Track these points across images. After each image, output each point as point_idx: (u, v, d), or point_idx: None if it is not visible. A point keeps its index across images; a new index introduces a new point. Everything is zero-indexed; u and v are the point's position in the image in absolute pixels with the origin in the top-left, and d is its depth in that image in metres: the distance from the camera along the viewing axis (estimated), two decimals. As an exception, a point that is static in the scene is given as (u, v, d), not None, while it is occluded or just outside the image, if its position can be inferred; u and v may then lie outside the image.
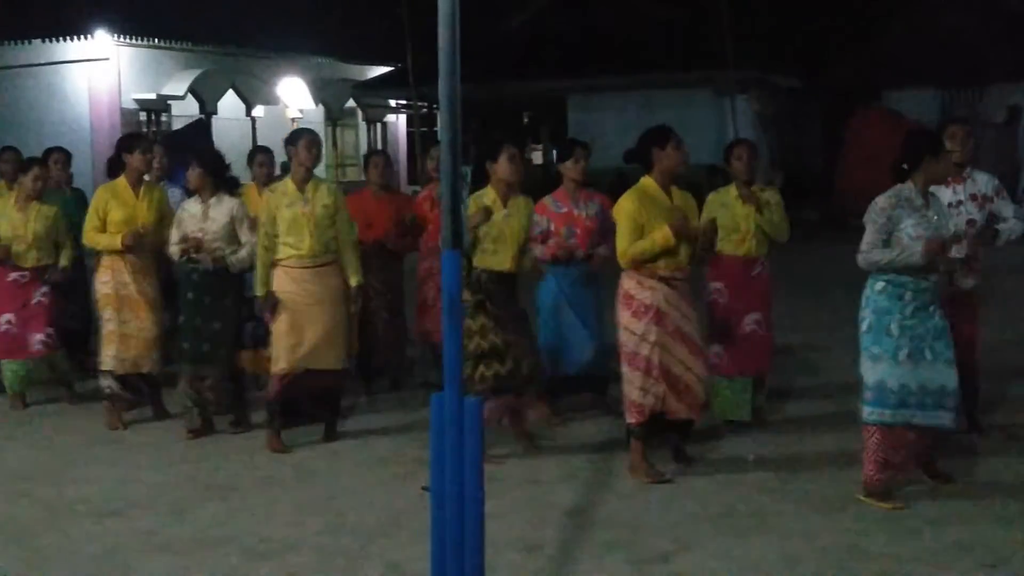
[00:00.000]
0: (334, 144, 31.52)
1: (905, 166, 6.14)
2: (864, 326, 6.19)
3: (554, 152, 18.75)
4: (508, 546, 5.56)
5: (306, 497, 6.63)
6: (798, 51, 27.21)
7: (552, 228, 7.98)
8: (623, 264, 6.77)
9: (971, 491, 6.38)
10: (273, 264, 7.51)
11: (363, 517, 6.21)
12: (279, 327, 7.51)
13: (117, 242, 8.16)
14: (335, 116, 31.00)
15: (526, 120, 28.37)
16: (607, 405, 8.13)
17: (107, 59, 25.10)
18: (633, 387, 6.69)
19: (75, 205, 9.76)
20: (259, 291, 7.50)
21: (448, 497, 4.17)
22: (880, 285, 6.15)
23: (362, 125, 32.63)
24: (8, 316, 8.87)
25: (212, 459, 7.52)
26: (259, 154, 9.49)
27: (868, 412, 6.15)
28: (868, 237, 6.11)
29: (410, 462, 7.19)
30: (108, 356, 8.29)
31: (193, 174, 8.00)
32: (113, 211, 8.25)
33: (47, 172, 9.29)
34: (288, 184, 7.61)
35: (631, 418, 6.75)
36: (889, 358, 6.07)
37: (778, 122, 28.00)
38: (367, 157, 9.73)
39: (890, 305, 6.09)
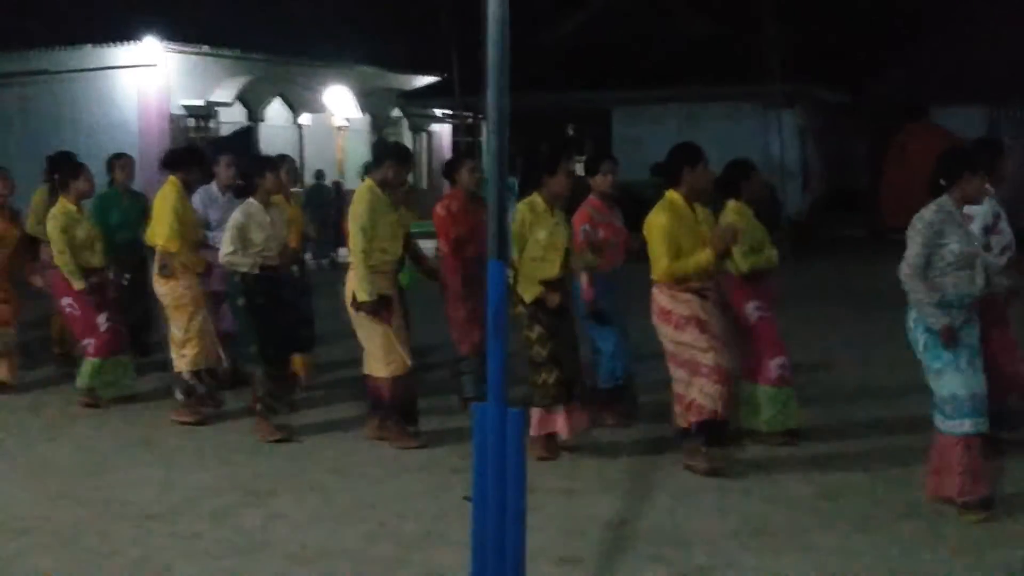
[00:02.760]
0: None
1: (943, 182, 6.12)
2: (920, 346, 6.18)
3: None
4: (545, 558, 5.54)
5: (346, 504, 6.64)
6: (846, 65, 26.97)
7: (602, 237, 8.01)
8: (660, 278, 6.91)
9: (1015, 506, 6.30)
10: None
11: (403, 525, 6.22)
12: (391, 329, 7.67)
13: (201, 262, 8.67)
14: (380, 125, 31.04)
15: (570, 132, 28.06)
16: (632, 415, 8.29)
17: (155, 65, 25.34)
18: (693, 390, 6.89)
19: (132, 208, 9.97)
20: (369, 296, 7.52)
21: (490, 508, 4.16)
22: None
23: (407, 134, 32.61)
24: (105, 314, 9.00)
25: (253, 464, 7.56)
26: (284, 162, 9.47)
27: (952, 426, 6.10)
28: (913, 250, 6.08)
29: (449, 471, 7.20)
30: (193, 355, 8.50)
31: (272, 182, 8.10)
32: (183, 215, 8.59)
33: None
34: (379, 193, 7.72)
35: (692, 417, 6.93)
36: (952, 369, 6.05)
37: (824, 137, 27.87)
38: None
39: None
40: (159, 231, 8.47)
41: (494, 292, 4.20)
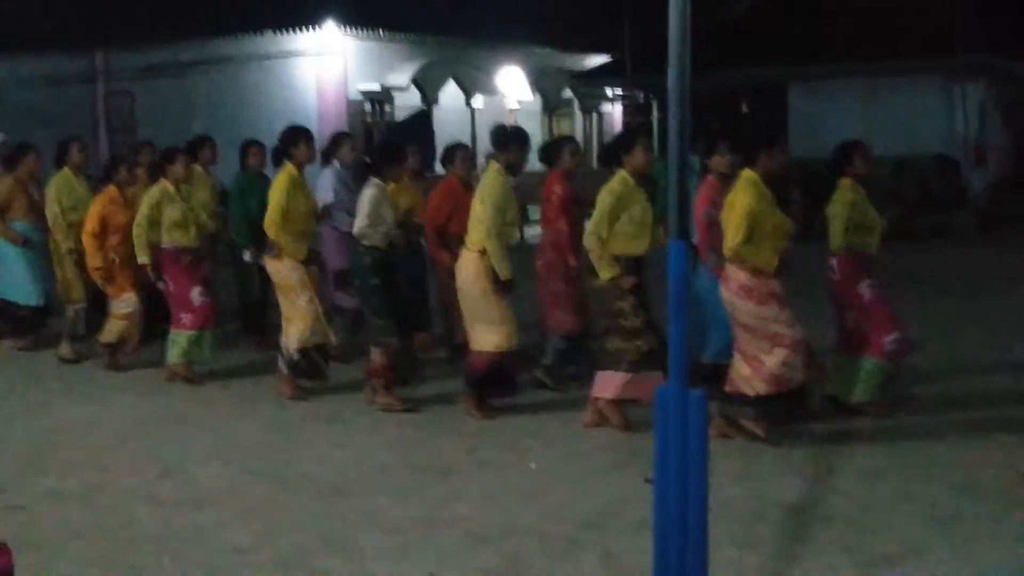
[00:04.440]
0: (550, 134, 30.80)
1: None
2: None
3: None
4: (726, 542, 5.47)
5: (523, 483, 6.70)
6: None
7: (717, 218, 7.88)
8: (731, 255, 7.13)
9: None
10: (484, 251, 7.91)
11: (580, 505, 6.24)
12: (508, 307, 8.00)
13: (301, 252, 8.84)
14: (552, 106, 30.85)
15: (744, 109, 26.71)
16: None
17: (334, 51, 25.53)
18: (772, 360, 7.10)
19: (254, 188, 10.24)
20: (509, 274, 7.89)
21: (671, 490, 4.14)
22: None
23: (578, 115, 32.41)
24: (198, 288, 9.44)
25: (431, 441, 7.69)
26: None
27: None
28: None
29: (627, 451, 7.19)
30: (305, 333, 8.79)
31: (414, 160, 8.73)
32: (295, 201, 8.78)
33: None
34: (502, 176, 8.02)
35: (766, 386, 7.13)
36: None
37: (1017, 112, 26.69)
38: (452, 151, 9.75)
39: None
40: (267, 216, 8.81)
41: (676, 270, 4.15)
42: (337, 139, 10.35)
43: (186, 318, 9.44)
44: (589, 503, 6.27)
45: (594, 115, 33.27)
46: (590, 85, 30.65)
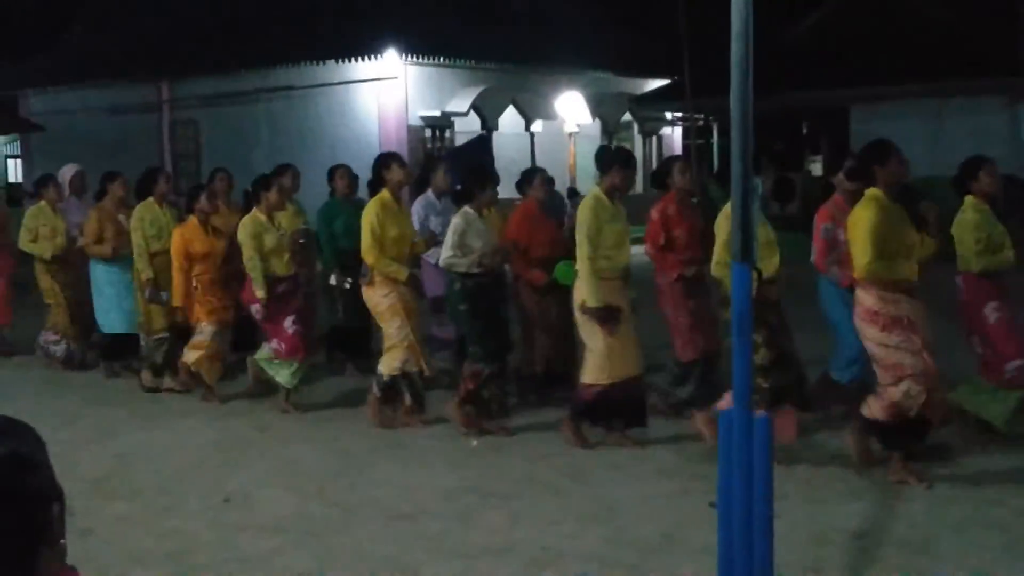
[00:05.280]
0: None
1: None
2: None
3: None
4: (791, 567, 5.41)
5: (586, 507, 6.68)
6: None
7: (840, 237, 7.86)
8: (863, 277, 6.81)
9: None
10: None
11: (643, 529, 6.22)
12: (613, 339, 7.74)
13: (403, 275, 8.61)
14: (611, 130, 30.80)
15: (805, 131, 27.47)
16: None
17: (395, 78, 25.78)
18: (897, 392, 6.76)
19: (355, 216, 9.97)
20: (598, 302, 7.68)
21: (736, 515, 4.12)
22: None
23: (637, 138, 32.30)
24: (291, 318, 9.39)
25: (495, 467, 7.68)
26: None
27: None
28: None
29: (691, 476, 7.16)
30: (390, 358, 8.71)
31: (489, 197, 8.51)
32: (388, 225, 8.66)
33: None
34: (605, 201, 7.89)
35: (883, 415, 6.86)
36: None
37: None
38: (531, 174, 9.79)
39: None
40: (362, 242, 8.77)
41: (739, 294, 4.15)
42: (431, 164, 10.52)
43: (280, 347, 9.41)
44: (653, 528, 6.24)
45: (653, 138, 33.29)
46: (649, 108, 30.70)
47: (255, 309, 9.43)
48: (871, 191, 6.94)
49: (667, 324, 8.78)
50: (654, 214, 8.71)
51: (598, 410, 7.95)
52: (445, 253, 8.40)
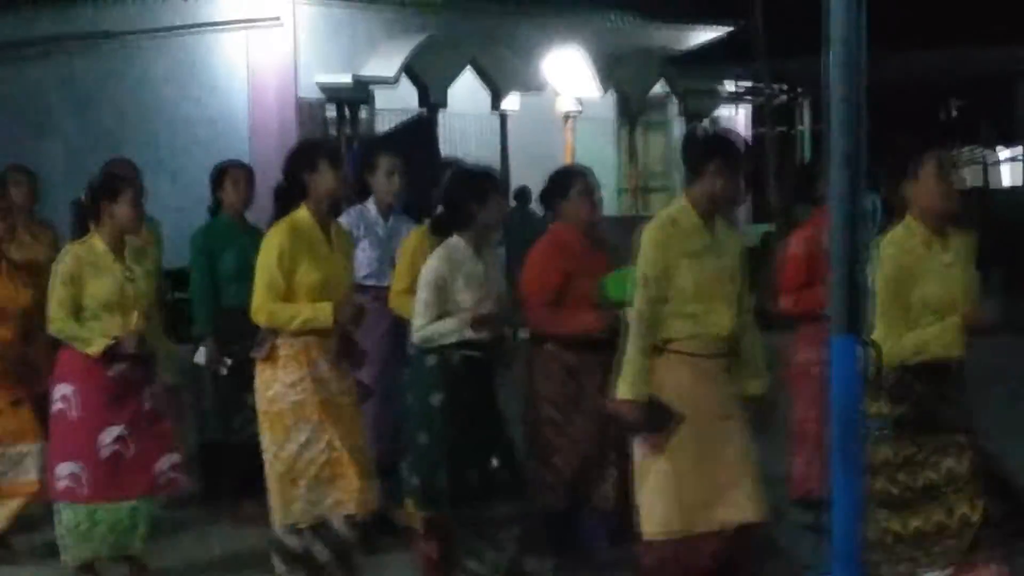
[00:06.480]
0: (630, 155, 24.02)
1: None
2: None
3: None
4: None
5: None
6: None
7: None
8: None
9: None
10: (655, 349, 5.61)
11: None
12: (677, 459, 5.66)
13: (327, 314, 6.36)
14: (634, 109, 24.43)
15: (954, 112, 23.26)
16: None
17: (278, 20, 19.56)
18: None
19: (250, 248, 7.72)
20: (631, 393, 5.51)
21: None
22: None
23: (676, 122, 24.68)
24: (116, 430, 7.03)
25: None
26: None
27: None
28: None
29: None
30: (298, 502, 6.41)
31: (496, 213, 6.45)
32: (304, 268, 6.44)
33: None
34: (689, 218, 5.77)
35: None
36: None
37: None
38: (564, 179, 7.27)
39: None
40: (255, 295, 6.61)
41: (840, 375, 3.51)
42: (372, 154, 8.07)
43: (81, 476, 6.87)
44: None
45: (704, 123, 25.07)
46: (696, 75, 24.29)
47: (62, 395, 6.87)
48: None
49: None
50: (797, 244, 6.96)
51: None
52: (419, 321, 6.26)
